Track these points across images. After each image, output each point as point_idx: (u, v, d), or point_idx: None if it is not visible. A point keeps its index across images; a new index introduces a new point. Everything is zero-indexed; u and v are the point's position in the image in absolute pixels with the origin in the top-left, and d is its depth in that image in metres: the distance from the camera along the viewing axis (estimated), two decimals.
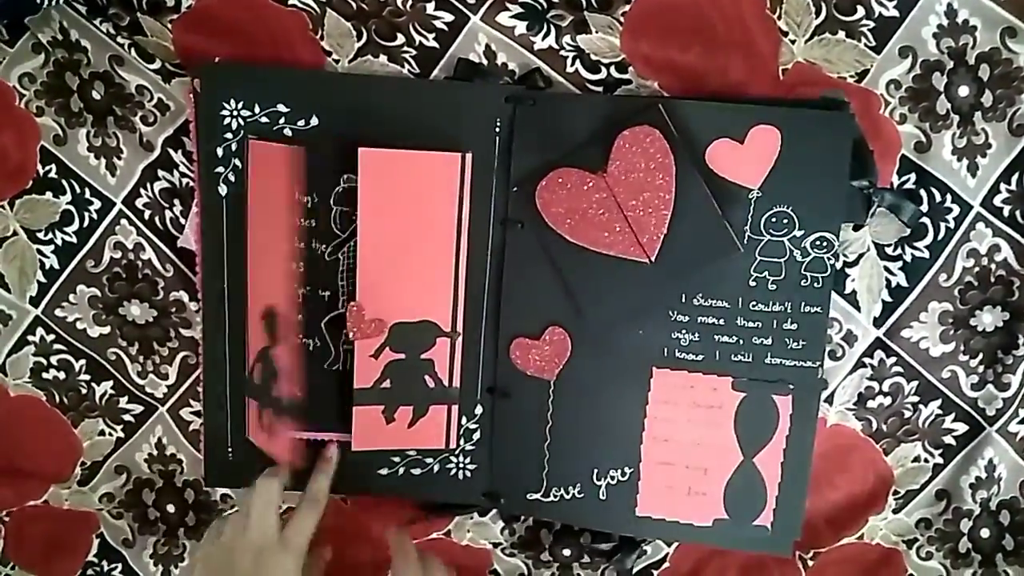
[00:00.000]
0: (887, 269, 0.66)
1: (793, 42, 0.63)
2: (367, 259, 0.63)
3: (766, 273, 0.63)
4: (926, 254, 0.65)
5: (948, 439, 0.68)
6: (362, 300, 0.63)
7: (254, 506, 0.59)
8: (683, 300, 0.64)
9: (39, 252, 0.71)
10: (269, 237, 0.64)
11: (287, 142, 0.64)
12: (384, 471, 0.69)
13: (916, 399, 0.68)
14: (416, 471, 0.69)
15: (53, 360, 0.73)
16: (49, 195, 0.70)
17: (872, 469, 0.69)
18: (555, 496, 0.68)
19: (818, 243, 0.62)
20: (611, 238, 0.63)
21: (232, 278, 0.66)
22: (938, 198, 0.65)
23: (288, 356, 0.65)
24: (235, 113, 0.64)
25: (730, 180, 0.62)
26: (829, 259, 0.63)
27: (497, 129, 0.64)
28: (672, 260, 0.63)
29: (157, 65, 0.66)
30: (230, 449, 0.69)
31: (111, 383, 0.73)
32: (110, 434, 0.74)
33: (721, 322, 0.64)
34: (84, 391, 0.73)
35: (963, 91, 0.63)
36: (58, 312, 0.72)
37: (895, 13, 0.62)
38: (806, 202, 0.62)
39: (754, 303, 0.64)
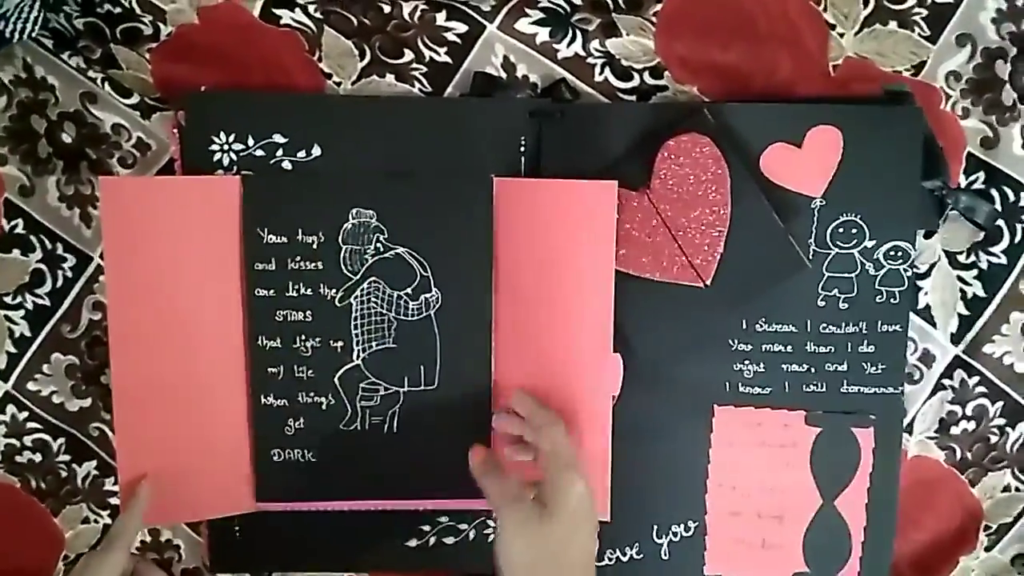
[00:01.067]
0: (960, 279, 0.60)
1: (842, 35, 0.58)
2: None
3: (836, 291, 0.57)
4: (1003, 260, 0.60)
5: None
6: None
7: None
8: (744, 327, 0.58)
9: (7, 319, 0.62)
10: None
11: (287, 176, 0.58)
12: (413, 542, 0.62)
13: (1002, 421, 0.62)
14: (449, 539, 0.62)
15: (27, 441, 0.64)
16: (16, 253, 0.62)
17: (959, 503, 0.63)
18: (609, 559, 0.61)
19: (892, 253, 0.56)
20: (659, 262, 0.56)
21: None
22: (1011, 197, 0.59)
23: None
24: (226, 147, 0.58)
25: (790, 189, 0.56)
26: (905, 271, 0.56)
27: (523, 148, 0.57)
28: (730, 283, 0.56)
29: (135, 100, 0.60)
30: (237, 528, 0.61)
31: (95, 463, 0.64)
32: (95, 521, 0.65)
33: (789, 349, 0.58)
34: (64, 474, 0.64)
35: None
36: (30, 386, 0.63)
37: None
38: (876, 209, 0.57)
39: (825, 325, 0.57)
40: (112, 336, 0.56)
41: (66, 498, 0.65)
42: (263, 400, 0.59)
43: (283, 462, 0.59)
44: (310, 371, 0.58)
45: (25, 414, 0.64)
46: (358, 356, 0.59)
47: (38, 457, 0.64)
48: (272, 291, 0.58)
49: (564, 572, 0.51)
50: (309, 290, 0.58)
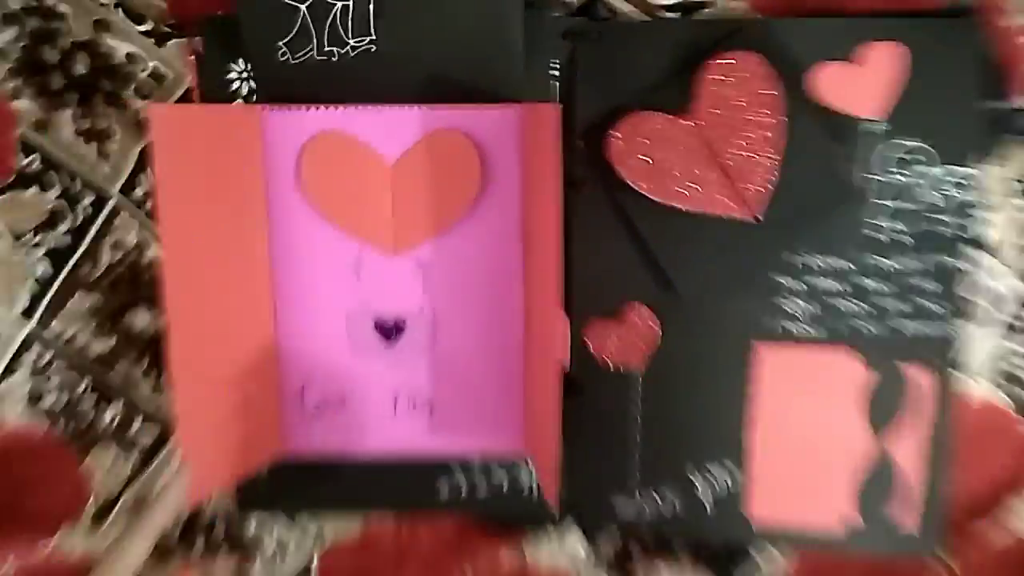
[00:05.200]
0: None
1: None
2: None
3: (895, 222, 0.53)
4: None
5: None
6: None
7: None
8: (794, 262, 0.54)
9: (29, 262, 0.61)
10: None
11: None
12: (445, 488, 0.60)
13: None
14: (482, 485, 0.60)
15: (53, 382, 0.63)
16: (35, 190, 0.60)
17: (1017, 446, 0.59)
18: (647, 504, 0.58)
19: (959, 182, 0.52)
20: (706, 192, 0.53)
21: None
22: None
23: None
24: (245, 74, 0.55)
25: (847, 112, 0.52)
26: (973, 200, 0.52)
27: (555, 72, 0.54)
28: (780, 215, 0.52)
29: (149, 27, 0.57)
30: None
31: (121, 402, 0.63)
32: (124, 464, 0.64)
33: (841, 285, 0.54)
34: (90, 417, 0.63)
35: None
36: (55, 326, 0.62)
37: None
38: (941, 133, 0.52)
39: (881, 259, 0.53)
40: (167, 279, 0.48)
41: (92, 442, 0.64)
42: None
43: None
44: None
45: (50, 354, 0.63)
46: None
47: (65, 398, 0.63)
48: None
49: None
50: None
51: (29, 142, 0.60)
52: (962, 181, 0.52)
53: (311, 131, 0.55)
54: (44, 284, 0.61)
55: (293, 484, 0.61)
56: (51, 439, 0.64)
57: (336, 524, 0.63)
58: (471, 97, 0.54)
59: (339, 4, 0.53)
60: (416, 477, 0.60)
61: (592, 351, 0.57)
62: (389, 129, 0.55)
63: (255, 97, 0.55)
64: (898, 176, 0.53)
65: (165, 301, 0.47)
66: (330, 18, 0.53)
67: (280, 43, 0.53)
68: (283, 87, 0.54)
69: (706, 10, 0.55)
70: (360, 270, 0.57)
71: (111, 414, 0.63)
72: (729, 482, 0.57)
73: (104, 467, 0.64)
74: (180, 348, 0.47)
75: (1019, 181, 0.55)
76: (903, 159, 0.52)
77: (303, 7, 0.53)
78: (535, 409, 0.56)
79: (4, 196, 0.61)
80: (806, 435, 0.56)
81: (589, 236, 0.55)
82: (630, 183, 0.53)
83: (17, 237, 0.61)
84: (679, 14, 0.55)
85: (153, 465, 0.64)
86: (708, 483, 0.57)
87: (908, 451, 0.55)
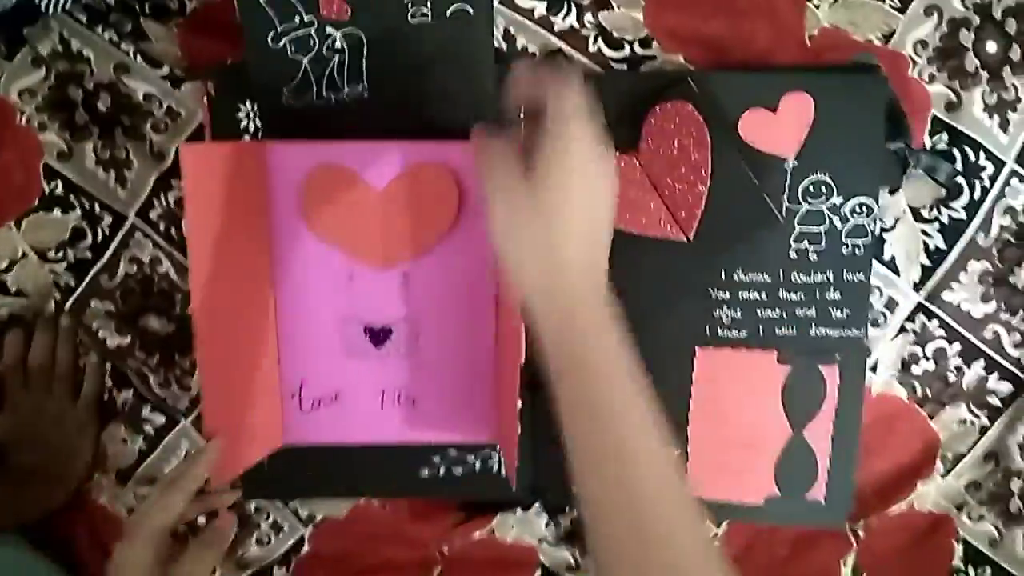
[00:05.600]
0: (924, 232, 0.65)
1: (817, 7, 0.62)
2: None
3: (806, 243, 0.62)
4: (963, 215, 0.64)
5: (993, 400, 0.68)
6: None
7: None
8: (723, 277, 0.63)
9: (52, 271, 0.68)
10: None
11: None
12: (425, 472, 0.68)
13: (959, 361, 0.67)
14: (458, 470, 0.68)
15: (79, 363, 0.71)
16: (57, 212, 0.67)
17: (919, 435, 0.68)
18: None
19: (857, 209, 0.61)
20: (647, 219, 0.61)
21: None
22: (971, 157, 0.64)
23: None
24: (252, 115, 0.62)
25: (765, 151, 0.61)
26: (869, 225, 0.62)
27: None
28: (711, 237, 0.61)
29: (165, 71, 0.64)
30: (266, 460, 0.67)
31: (131, 391, 0.71)
32: (132, 443, 0.71)
33: (763, 296, 0.63)
34: (107, 397, 0.71)
35: (991, 47, 0.62)
36: (82, 318, 0.69)
37: None
38: (843, 168, 0.61)
39: (796, 274, 0.63)
40: (194, 290, 0.54)
41: (108, 417, 0.71)
42: None
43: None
44: None
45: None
46: None
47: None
48: None
49: (560, 270, 0.44)
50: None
51: (53, 170, 0.67)
52: (858, 208, 0.62)
53: (311, 163, 0.61)
54: (67, 293, 0.69)
55: (291, 472, 0.68)
56: None
57: (327, 503, 0.71)
58: (449, 134, 0.61)
59: (336, 58, 0.61)
60: (400, 463, 0.67)
61: None
62: (378, 161, 0.61)
63: (260, 134, 0.63)
64: (806, 204, 0.62)
65: (193, 312, 0.54)
66: (328, 69, 0.61)
67: (284, 89, 0.61)
68: (286, 126, 0.62)
69: (649, 62, 0.63)
70: (352, 283, 0.64)
71: (123, 399, 0.71)
72: None
73: (116, 442, 0.71)
74: (206, 350, 0.54)
75: (911, 207, 0.65)
76: (811, 190, 0.62)
77: (305, 60, 0.61)
78: (502, 404, 0.63)
79: (30, 218, 0.68)
80: (735, 423, 0.65)
81: None
82: None
83: (42, 254, 0.68)
84: (626, 66, 0.63)
85: (159, 449, 0.71)
86: None
87: (819, 436, 0.65)
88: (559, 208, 0.43)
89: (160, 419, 0.71)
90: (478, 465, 0.68)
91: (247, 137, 0.63)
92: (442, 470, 0.68)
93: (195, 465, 0.58)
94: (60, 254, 0.68)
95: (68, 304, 0.69)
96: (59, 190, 0.67)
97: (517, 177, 0.43)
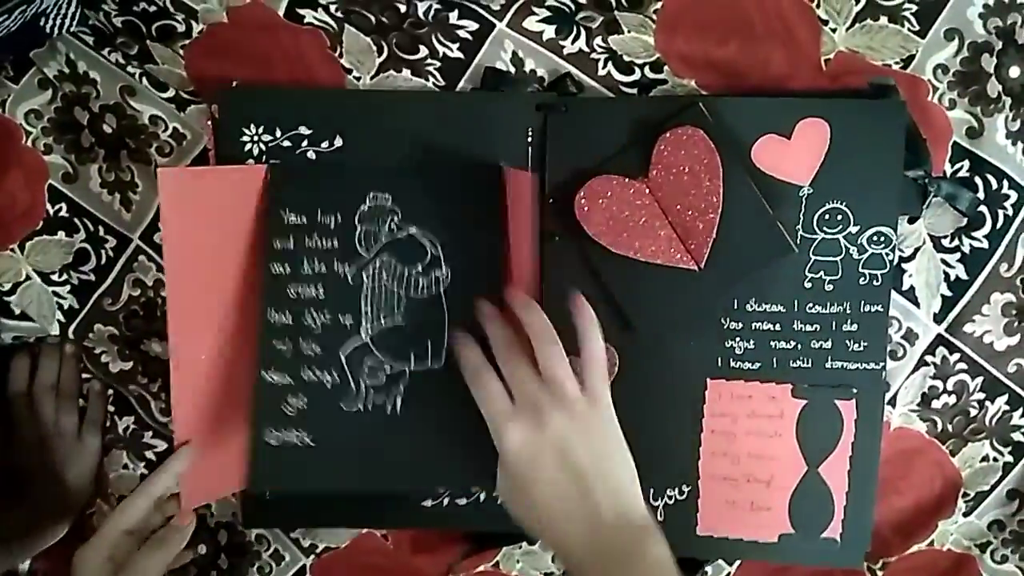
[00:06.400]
0: (944, 262, 0.63)
1: (834, 31, 0.61)
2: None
3: (822, 273, 0.60)
4: (985, 244, 0.62)
5: (1017, 436, 0.66)
6: None
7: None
8: (736, 307, 0.61)
9: (55, 294, 0.68)
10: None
11: (311, 164, 0.62)
12: (429, 503, 0.66)
13: (982, 396, 0.65)
14: (462, 501, 0.66)
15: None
16: (61, 235, 0.67)
17: (939, 472, 0.66)
18: None
19: (875, 239, 0.60)
20: (657, 246, 0.60)
21: None
22: (994, 185, 0.62)
23: None
24: (256, 138, 0.62)
25: (779, 178, 0.60)
26: (887, 255, 0.60)
27: (529, 139, 0.61)
28: (722, 266, 0.60)
29: (171, 93, 0.64)
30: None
31: (133, 418, 0.70)
32: (133, 469, 0.71)
33: (777, 327, 0.61)
34: (108, 423, 0.70)
35: (1014, 72, 0.60)
36: (85, 342, 0.69)
37: None
38: (860, 196, 0.60)
39: (811, 305, 0.61)
40: (171, 314, 0.58)
41: (110, 444, 0.70)
42: (267, 376, 0.59)
43: (279, 446, 0.59)
44: (317, 347, 0.59)
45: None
46: (366, 334, 0.60)
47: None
48: (287, 267, 0.59)
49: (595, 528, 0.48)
50: (323, 266, 0.60)
51: (58, 191, 0.67)
52: (876, 237, 0.60)
53: None
54: (71, 315, 0.68)
55: (292, 502, 0.66)
56: None
57: (328, 534, 0.70)
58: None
59: None
60: (403, 497, 0.66)
61: None
62: None
63: (264, 157, 0.62)
64: (822, 233, 0.60)
65: (169, 334, 0.56)
66: None
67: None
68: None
69: (660, 87, 0.62)
70: None
71: (125, 424, 0.70)
72: (681, 499, 0.64)
73: (119, 468, 0.70)
74: (182, 376, 0.55)
75: (931, 235, 0.63)
76: (826, 218, 0.60)
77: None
78: None
79: (34, 240, 0.67)
80: (748, 458, 0.63)
81: (558, 283, 0.62)
82: (593, 237, 0.61)
83: (44, 276, 0.68)
84: (636, 90, 0.62)
85: None
86: (663, 501, 0.64)
87: (836, 472, 0.63)
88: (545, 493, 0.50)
89: (162, 445, 0.70)
90: (482, 496, 0.66)
91: (251, 161, 0.62)
92: (446, 501, 0.66)
93: (162, 471, 0.59)
94: (64, 277, 0.68)
95: (72, 327, 0.68)
96: (64, 212, 0.67)
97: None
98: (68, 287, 0.68)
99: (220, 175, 0.61)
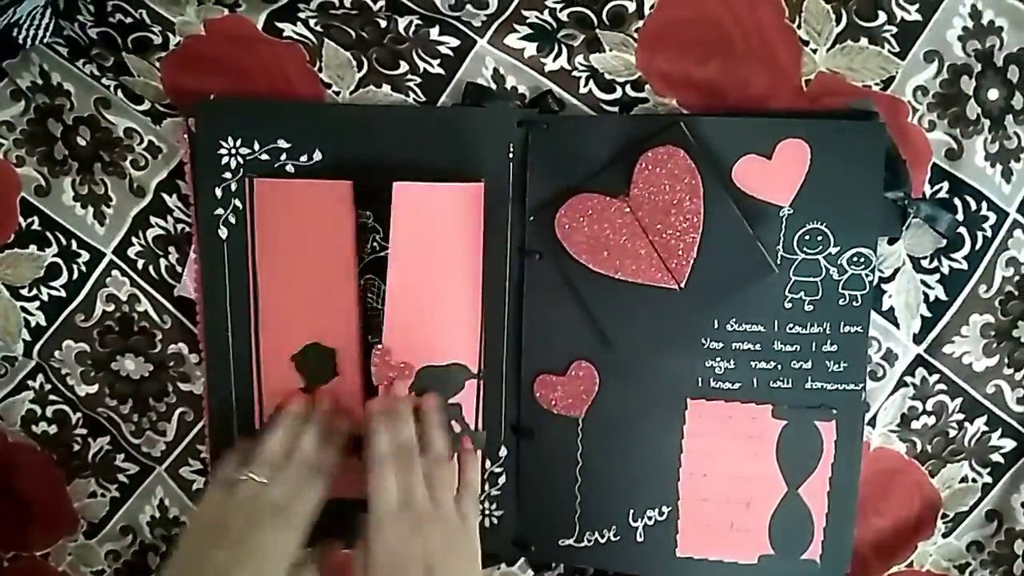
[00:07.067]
0: (924, 283, 0.63)
1: (815, 51, 0.61)
2: (396, 299, 0.59)
3: (802, 293, 0.60)
4: (964, 265, 0.62)
5: (996, 457, 0.65)
6: (388, 343, 0.59)
7: (277, 472, 0.54)
8: (716, 326, 0.61)
9: (23, 310, 0.66)
10: (311, 273, 0.61)
11: (289, 178, 0.61)
12: None
13: (961, 416, 0.65)
14: None
15: (48, 411, 0.69)
16: (32, 248, 0.66)
17: (919, 492, 0.66)
18: (589, 541, 0.64)
19: (855, 259, 0.60)
20: (637, 265, 0.60)
21: (237, 324, 0.62)
22: (973, 206, 0.62)
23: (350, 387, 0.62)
24: (234, 151, 0.61)
25: (759, 198, 0.59)
26: (867, 275, 0.60)
27: (511, 155, 0.61)
28: (703, 285, 0.59)
29: (146, 106, 0.63)
30: None
31: (108, 438, 0.68)
32: (103, 495, 0.69)
33: (757, 347, 0.61)
34: (77, 447, 0.68)
35: (993, 94, 0.61)
36: (52, 362, 0.67)
37: (918, 17, 0.60)
38: (840, 217, 0.59)
39: (791, 326, 0.61)
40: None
41: (76, 471, 0.69)
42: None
43: None
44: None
45: (50, 385, 0.68)
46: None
47: (53, 429, 0.68)
48: None
49: None
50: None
51: (30, 204, 0.65)
52: (855, 258, 0.60)
53: None
54: (38, 333, 0.67)
55: None
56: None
57: None
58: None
59: None
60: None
61: (541, 402, 0.63)
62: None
63: (241, 171, 0.61)
64: (802, 253, 0.60)
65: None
66: None
67: None
68: None
69: (641, 105, 0.62)
70: None
71: (98, 446, 0.68)
72: (661, 520, 0.64)
73: (84, 497, 0.69)
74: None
75: (911, 256, 0.63)
76: (806, 239, 0.60)
77: None
78: None
79: (4, 253, 0.66)
80: (727, 479, 0.63)
81: (538, 301, 0.62)
82: (573, 255, 0.60)
83: (13, 291, 0.66)
84: (618, 109, 0.62)
85: (133, 498, 0.69)
86: (642, 522, 0.64)
87: (815, 493, 0.62)
88: None
89: (133, 468, 0.69)
90: None
91: (228, 174, 0.61)
92: None
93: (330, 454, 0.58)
94: (33, 292, 0.66)
95: (38, 346, 0.66)
96: (36, 225, 0.66)
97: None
98: (37, 303, 0.66)
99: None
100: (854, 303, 0.60)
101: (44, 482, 0.69)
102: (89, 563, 0.70)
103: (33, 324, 0.66)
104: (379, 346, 0.59)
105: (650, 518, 0.63)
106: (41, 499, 0.69)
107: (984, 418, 0.65)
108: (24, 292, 0.66)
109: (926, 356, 0.64)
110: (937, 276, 0.63)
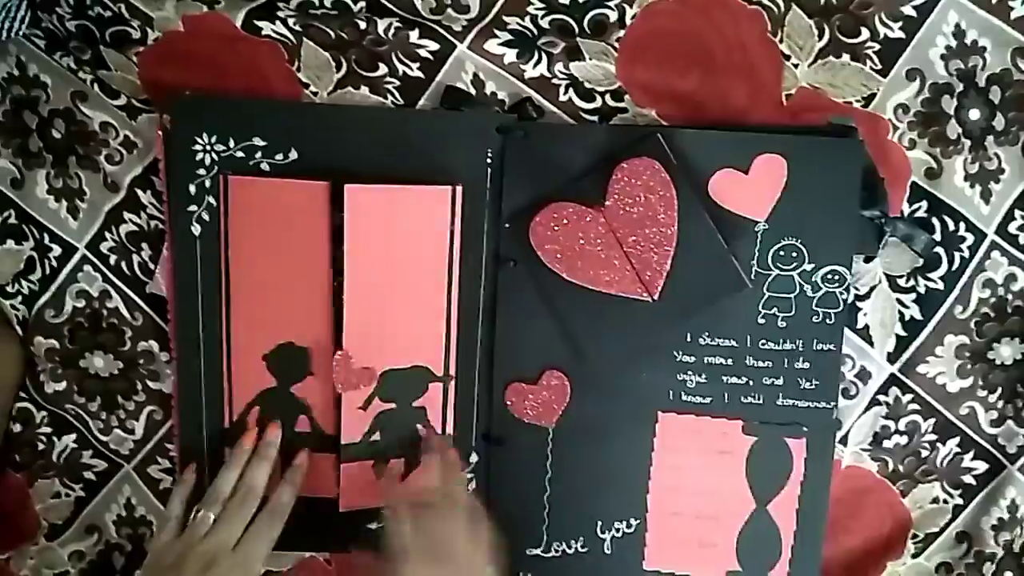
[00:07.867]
0: (900, 302, 0.63)
1: (796, 66, 0.61)
2: (355, 302, 0.59)
3: (775, 309, 0.60)
4: (940, 285, 0.62)
5: (968, 479, 0.65)
6: (349, 347, 0.59)
7: (227, 509, 0.56)
8: (688, 340, 0.61)
9: (12, 307, 0.66)
10: (284, 272, 0.61)
11: (264, 176, 0.60)
12: (373, 525, 0.65)
13: (934, 437, 0.64)
14: None
15: (12, 410, 0.67)
16: (10, 243, 0.65)
17: (889, 512, 0.66)
18: (556, 551, 0.64)
19: (829, 277, 0.59)
20: (611, 276, 0.59)
21: (209, 322, 0.61)
22: (951, 226, 0.62)
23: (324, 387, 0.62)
24: (209, 148, 0.60)
25: (735, 212, 0.59)
26: (841, 293, 0.60)
27: (488, 161, 0.60)
28: (676, 298, 0.59)
29: (122, 101, 0.62)
30: None
31: (74, 436, 0.68)
32: (67, 495, 0.69)
33: (729, 362, 0.61)
34: (42, 447, 0.68)
35: (974, 114, 0.61)
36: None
37: (901, 35, 0.60)
38: (815, 234, 0.59)
39: (763, 341, 0.60)
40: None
41: (37, 472, 0.68)
42: None
43: None
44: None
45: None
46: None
47: (17, 428, 0.68)
48: None
49: None
50: None
51: (5, 197, 0.65)
52: (830, 276, 0.60)
53: None
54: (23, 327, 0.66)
55: None
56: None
57: (270, 557, 0.68)
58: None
59: None
60: (347, 517, 0.64)
61: (512, 410, 0.63)
62: None
63: (216, 168, 0.61)
64: (776, 269, 0.60)
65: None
66: None
67: None
68: None
69: (620, 115, 0.61)
70: None
71: (63, 444, 0.68)
72: (629, 532, 0.63)
73: (47, 499, 0.68)
74: None
75: (887, 274, 0.63)
76: (781, 255, 0.60)
77: None
78: None
79: None
80: (696, 493, 0.62)
81: (512, 309, 0.61)
82: (547, 264, 0.60)
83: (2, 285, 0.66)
84: (597, 118, 0.62)
85: (100, 496, 0.68)
86: (610, 534, 0.63)
87: (784, 511, 0.62)
88: None
89: (101, 465, 0.68)
90: None
91: (202, 171, 0.60)
92: None
93: (288, 493, 0.59)
94: (16, 287, 0.66)
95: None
96: (12, 219, 0.65)
97: None
98: (20, 297, 0.66)
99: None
100: (827, 321, 0.60)
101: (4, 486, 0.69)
102: (52, 565, 0.69)
103: (20, 318, 0.66)
104: (339, 352, 0.58)
105: (618, 530, 0.63)
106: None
107: (957, 439, 0.64)
108: (9, 288, 0.65)
109: (900, 375, 0.64)
110: (913, 295, 0.63)
